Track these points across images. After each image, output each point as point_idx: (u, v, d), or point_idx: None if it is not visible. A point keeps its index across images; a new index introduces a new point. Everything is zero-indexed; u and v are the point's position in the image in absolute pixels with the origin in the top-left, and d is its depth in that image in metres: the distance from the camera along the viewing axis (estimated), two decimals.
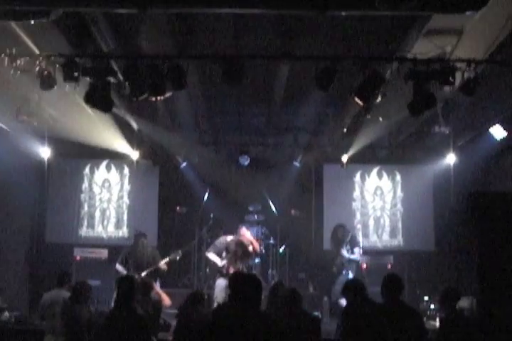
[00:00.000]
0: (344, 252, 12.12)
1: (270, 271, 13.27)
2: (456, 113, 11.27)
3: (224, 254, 11.39)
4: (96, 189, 14.70)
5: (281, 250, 13.67)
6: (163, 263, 11.18)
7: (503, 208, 7.13)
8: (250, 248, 11.54)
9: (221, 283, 10.79)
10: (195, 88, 10.51)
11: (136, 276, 10.67)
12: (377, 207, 14.63)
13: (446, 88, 8.33)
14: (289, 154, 14.36)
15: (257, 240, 12.51)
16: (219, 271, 11.26)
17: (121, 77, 8.40)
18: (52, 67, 8.20)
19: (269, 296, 7.48)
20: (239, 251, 11.09)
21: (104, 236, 14.55)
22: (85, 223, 14.56)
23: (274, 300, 7.29)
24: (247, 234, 11.99)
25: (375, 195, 14.63)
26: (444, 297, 7.01)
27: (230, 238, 11.72)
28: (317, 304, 12.14)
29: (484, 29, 7.62)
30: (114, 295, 9.89)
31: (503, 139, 11.27)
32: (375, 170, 14.72)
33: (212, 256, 11.60)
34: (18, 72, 8.26)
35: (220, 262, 11.31)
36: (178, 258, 11.23)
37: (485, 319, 6.78)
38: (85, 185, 14.70)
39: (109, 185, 14.75)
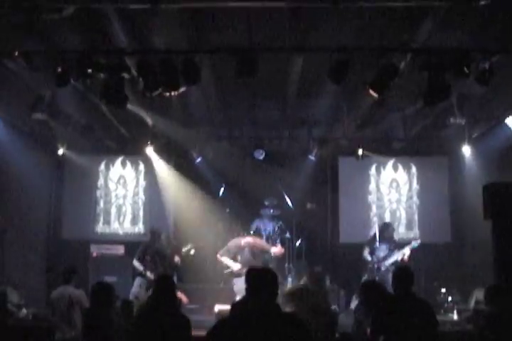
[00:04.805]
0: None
1: (287, 264, 13.25)
2: (471, 104, 11.19)
3: (239, 258, 11.14)
4: (111, 185, 14.76)
5: (297, 244, 13.66)
6: (176, 258, 11.25)
7: None
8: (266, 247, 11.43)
9: (240, 284, 10.30)
10: (209, 82, 10.50)
11: (153, 272, 10.72)
12: (393, 199, 14.59)
13: (461, 79, 8.26)
14: (304, 147, 14.30)
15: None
16: (234, 274, 10.95)
17: (134, 73, 8.40)
18: (66, 64, 8.20)
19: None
20: (256, 253, 10.97)
21: (121, 232, 14.61)
22: (101, 219, 14.63)
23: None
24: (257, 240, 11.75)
25: (391, 188, 14.59)
26: (492, 294, 6.86)
27: (243, 241, 11.37)
28: (334, 298, 12.10)
29: None
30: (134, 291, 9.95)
31: None
32: (390, 163, 14.67)
33: (225, 260, 11.20)
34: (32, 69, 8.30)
35: (235, 266, 11.00)
36: (192, 251, 11.21)
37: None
38: (101, 181, 14.77)
39: (125, 181, 14.80)
